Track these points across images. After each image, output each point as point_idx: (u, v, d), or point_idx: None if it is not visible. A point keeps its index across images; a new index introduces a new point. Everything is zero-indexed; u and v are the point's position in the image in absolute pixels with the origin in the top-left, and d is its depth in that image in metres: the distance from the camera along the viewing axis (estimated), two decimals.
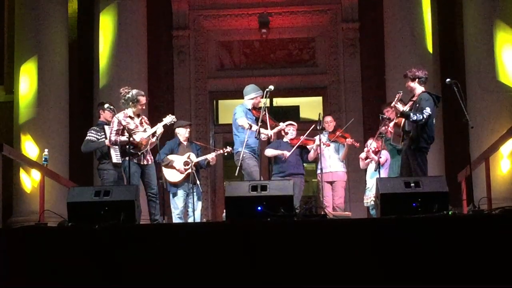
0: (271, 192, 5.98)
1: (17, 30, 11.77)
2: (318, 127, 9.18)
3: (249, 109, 8.54)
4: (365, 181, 9.78)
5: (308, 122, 9.81)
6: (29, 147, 11.13)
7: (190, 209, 9.48)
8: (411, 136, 7.78)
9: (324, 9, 13.17)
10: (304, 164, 9.62)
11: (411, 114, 7.66)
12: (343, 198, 9.93)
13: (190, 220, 9.38)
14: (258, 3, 13.04)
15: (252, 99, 8.58)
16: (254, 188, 6.01)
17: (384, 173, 9.23)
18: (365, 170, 9.81)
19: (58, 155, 10.92)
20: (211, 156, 9.69)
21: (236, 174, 8.43)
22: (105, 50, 11.84)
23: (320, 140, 9.15)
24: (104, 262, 5.41)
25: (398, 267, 5.27)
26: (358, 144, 9.85)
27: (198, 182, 9.44)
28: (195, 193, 9.38)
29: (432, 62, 11.63)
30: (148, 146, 8.23)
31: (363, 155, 9.67)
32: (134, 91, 8.25)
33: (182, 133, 9.64)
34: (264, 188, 6.02)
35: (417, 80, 7.93)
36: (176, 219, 9.45)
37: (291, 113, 13.17)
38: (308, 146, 9.40)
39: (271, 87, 8.11)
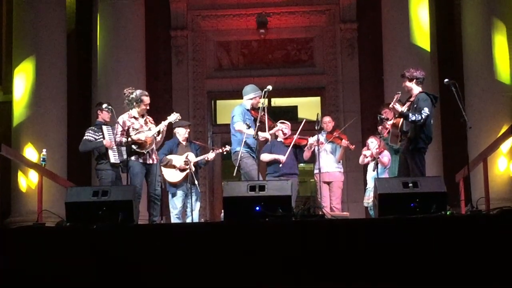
0: (269, 193, 5.98)
1: (15, 30, 11.76)
2: (316, 127, 9.19)
3: (247, 110, 8.54)
4: (364, 181, 9.79)
5: (307, 123, 9.78)
6: (27, 147, 11.12)
7: (188, 209, 9.49)
8: (409, 137, 7.78)
9: (322, 9, 13.18)
10: (301, 164, 9.62)
11: (410, 114, 7.66)
12: (340, 198, 9.95)
13: (188, 220, 9.39)
14: (256, 3, 13.05)
15: (251, 99, 8.58)
16: (252, 188, 6.01)
17: (386, 175, 9.23)
18: (364, 170, 9.82)
19: (56, 155, 10.91)
20: (210, 156, 9.70)
21: (234, 174, 8.43)
22: (103, 50, 11.85)
23: (318, 140, 9.17)
24: (102, 262, 5.40)
25: (396, 268, 5.27)
26: (353, 147, 9.84)
27: (196, 182, 9.44)
28: (193, 194, 9.39)
29: (430, 62, 11.64)
30: (154, 145, 8.27)
31: (367, 152, 9.60)
32: (138, 92, 8.35)
33: (182, 133, 9.65)
34: (262, 188, 6.02)
35: (414, 80, 7.93)
36: (174, 219, 9.46)
37: (289, 113, 13.16)
38: (301, 145, 9.43)
39: (269, 87, 8.12)
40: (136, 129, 8.18)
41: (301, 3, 13.14)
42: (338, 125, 10.71)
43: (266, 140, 8.82)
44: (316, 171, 9.75)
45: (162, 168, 9.35)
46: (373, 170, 9.28)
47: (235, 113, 8.50)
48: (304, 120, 9.63)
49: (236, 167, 8.29)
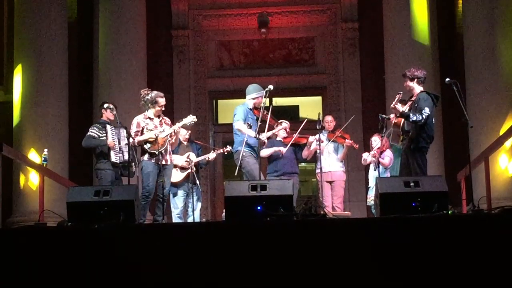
0: (270, 192, 5.98)
1: (16, 30, 11.77)
2: (318, 127, 9.20)
3: (250, 109, 8.54)
4: (366, 180, 9.79)
5: (308, 122, 9.80)
6: (28, 147, 11.11)
7: (189, 209, 9.49)
8: (411, 136, 7.78)
9: (323, 8, 13.18)
10: (301, 163, 9.63)
11: (411, 114, 7.66)
12: (342, 198, 9.94)
13: (190, 219, 9.40)
14: (258, 3, 13.06)
15: (253, 98, 8.57)
16: (253, 188, 6.01)
17: (387, 174, 9.24)
18: (366, 169, 9.82)
19: (57, 155, 10.91)
20: (211, 156, 9.70)
21: (235, 174, 8.43)
22: (104, 50, 11.85)
23: (319, 139, 9.17)
24: (103, 262, 5.40)
25: (398, 267, 5.27)
26: (357, 146, 9.87)
27: (197, 182, 9.45)
28: (195, 193, 9.39)
29: (432, 61, 11.63)
30: (168, 146, 8.27)
31: (369, 157, 9.65)
32: (154, 93, 8.45)
33: (183, 133, 9.67)
34: (263, 187, 6.01)
35: (415, 79, 7.93)
36: (175, 219, 9.47)
37: (291, 113, 13.17)
38: (301, 144, 9.43)
39: (271, 87, 8.12)
40: (150, 129, 8.28)
41: (302, 3, 13.14)
42: (339, 124, 10.71)
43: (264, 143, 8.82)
44: (317, 170, 9.74)
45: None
46: (375, 170, 9.28)
47: (236, 112, 8.51)
48: (306, 119, 9.64)
49: (238, 167, 8.29)
